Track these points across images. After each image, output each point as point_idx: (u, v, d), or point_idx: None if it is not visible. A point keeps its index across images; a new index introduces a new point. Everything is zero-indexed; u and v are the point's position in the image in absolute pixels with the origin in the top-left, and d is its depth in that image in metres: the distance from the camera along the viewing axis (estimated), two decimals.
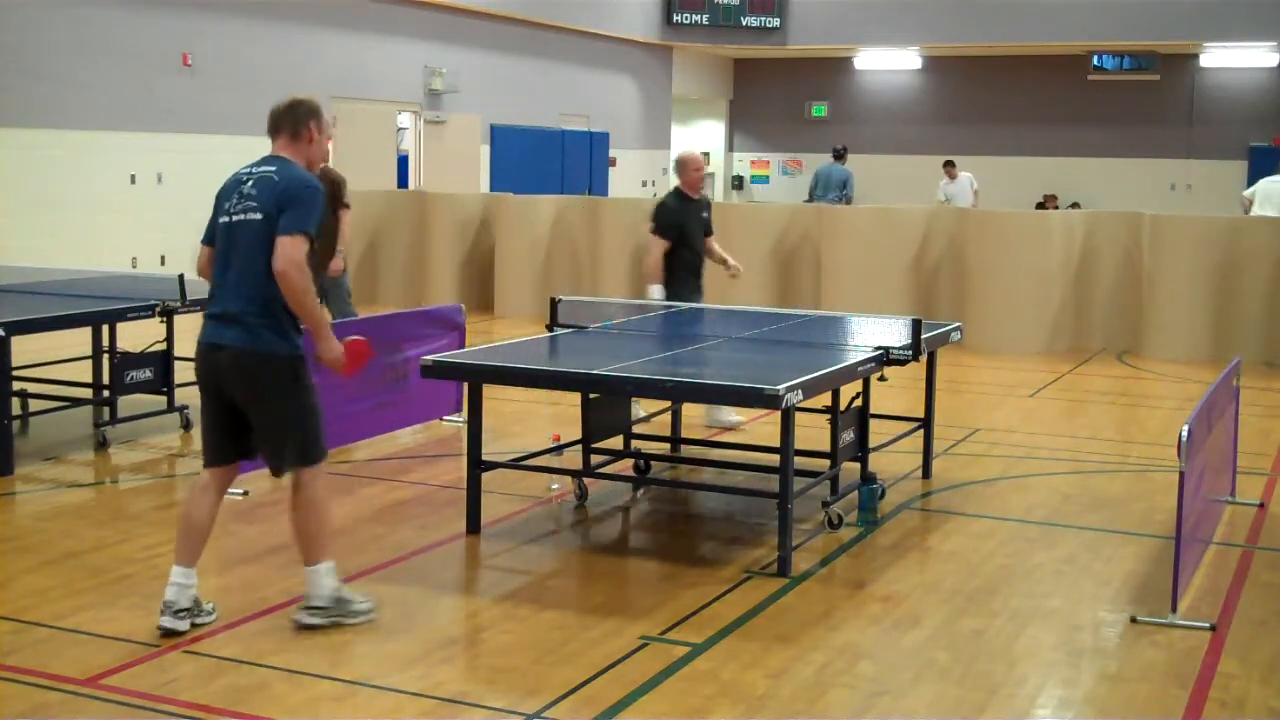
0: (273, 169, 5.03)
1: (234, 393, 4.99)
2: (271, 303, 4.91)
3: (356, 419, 7.74)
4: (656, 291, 8.57)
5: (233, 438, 5.07)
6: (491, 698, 4.55)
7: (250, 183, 5.01)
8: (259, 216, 4.91)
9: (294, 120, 5.13)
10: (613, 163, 24.26)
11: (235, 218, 4.98)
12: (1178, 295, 12.48)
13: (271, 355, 4.93)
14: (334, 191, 10.08)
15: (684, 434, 7.97)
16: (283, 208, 4.88)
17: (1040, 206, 24.39)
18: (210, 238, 5.12)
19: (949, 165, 20.78)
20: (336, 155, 17.32)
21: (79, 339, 9.23)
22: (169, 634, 4.94)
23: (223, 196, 5.08)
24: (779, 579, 5.79)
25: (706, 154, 8.87)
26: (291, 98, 5.21)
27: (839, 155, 19.35)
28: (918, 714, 4.49)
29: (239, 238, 4.95)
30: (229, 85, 16.78)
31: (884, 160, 26.48)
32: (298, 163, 5.10)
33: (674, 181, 8.96)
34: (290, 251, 4.83)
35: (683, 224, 8.68)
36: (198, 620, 5.03)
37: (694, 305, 8.51)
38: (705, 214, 8.89)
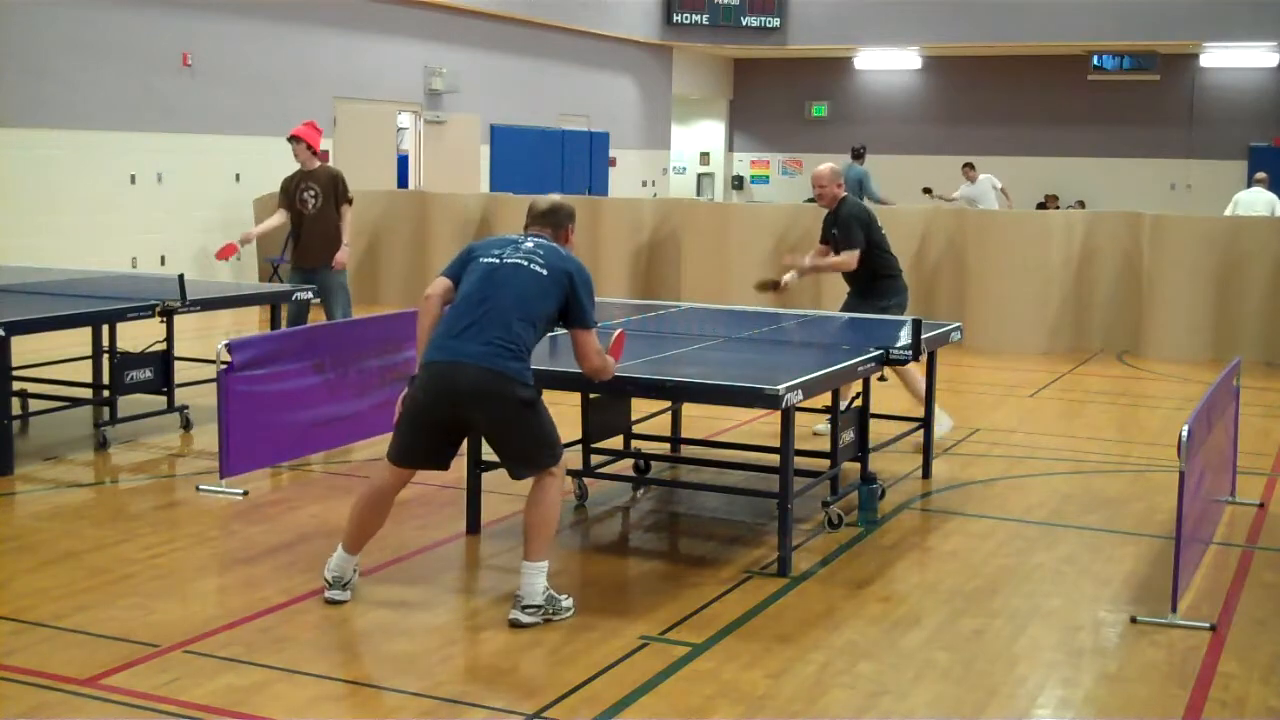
0: (553, 244, 5.45)
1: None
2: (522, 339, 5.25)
3: (356, 419, 7.74)
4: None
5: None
6: (491, 698, 4.55)
7: (530, 243, 5.38)
8: (544, 271, 5.26)
9: (555, 222, 5.56)
10: (613, 163, 24.25)
11: (509, 261, 5.28)
12: (1178, 295, 12.49)
13: (518, 380, 5.19)
14: (336, 186, 10.16)
15: (684, 434, 7.97)
16: (579, 294, 5.29)
17: (1041, 206, 24.40)
18: (454, 274, 5.41)
19: (968, 168, 20.77)
20: (336, 155, 17.35)
21: (79, 339, 9.23)
22: (335, 603, 5.32)
23: (486, 246, 5.43)
24: (779, 579, 5.79)
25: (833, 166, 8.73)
26: (553, 200, 5.65)
27: (857, 155, 19.26)
28: (918, 714, 4.49)
29: (510, 279, 5.24)
30: (229, 85, 16.78)
31: (884, 160, 26.41)
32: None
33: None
34: (594, 346, 5.42)
35: (824, 230, 8.82)
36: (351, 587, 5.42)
37: (695, 306, 8.52)
38: (833, 230, 8.67)
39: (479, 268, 5.31)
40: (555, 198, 5.67)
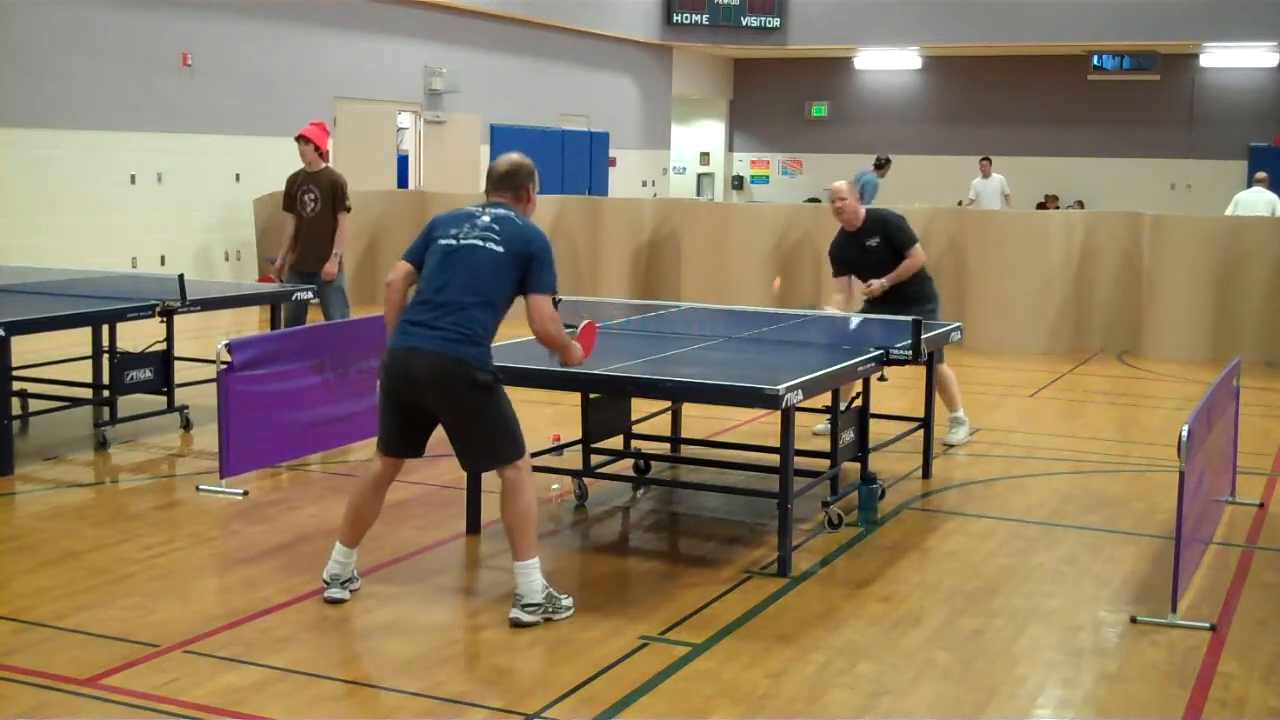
0: (511, 213, 5.36)
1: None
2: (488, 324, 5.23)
3: (356, 419, 7.74)
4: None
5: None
6: (491, 698, 4.55)
7: (486, 217, 5.30)
8: (500, 249, 5.20)
9: (515, 185, 5.47)
10: (613, 163, 24.25)
11: (465, 242, 5.23)
12: (1178, 295, 12.49)
13: (474, 364, 5.14)
14: (335, 192, 10.08)
15: (684, 434, 7.97)
16: (536, 263, 5.22)
17: (1041, 206, 24.39)
18: (415, 257, 5.38)
19: (985, 161, 20.81)
20: (336, 155, 17.33)
21: (79, 339, 9.23)
22: (335, 603, 5.33)
23: (445, 224, 5.35)
24: (779, 579, 5.79)
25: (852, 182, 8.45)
26: (511, 160, 5.54)
27: (878, 165, 19.13)
28: (918, 714, 4.49)
29: (466, 262, 5.20)
30: (229, 85, 16.78)
31: None
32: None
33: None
34: (546, 310, 5.27)
35: (839, 253, 8.50)
36: (353, 587, 5.44)
37: (695, 306, 8.50)
38: (869, 242, 8.33)
39: (437, 250, 5.28)
40: (514, 157, 5.55)
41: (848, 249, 8.44)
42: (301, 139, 10.09)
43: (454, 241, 5.25)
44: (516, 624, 5.14)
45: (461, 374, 5.10)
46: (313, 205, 10.03)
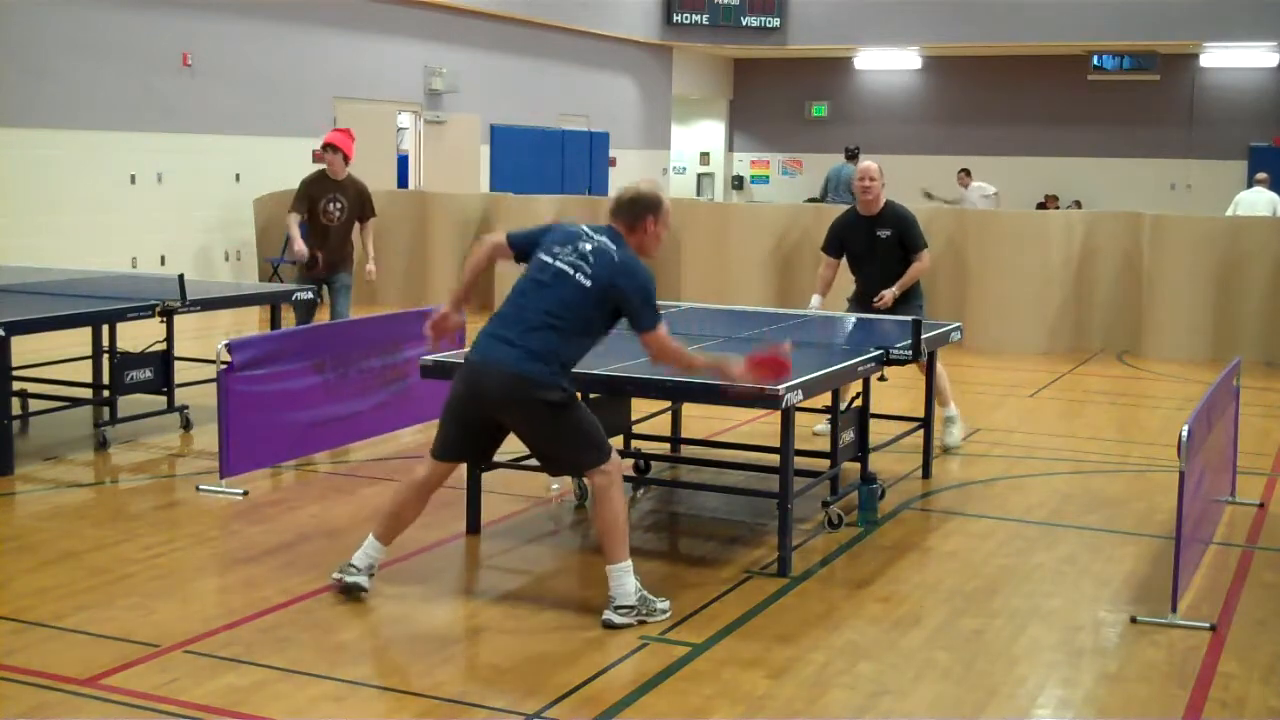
0: (614, 246, 5.27)
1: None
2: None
3: (356, 419, 7.74)
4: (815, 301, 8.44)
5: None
6: (491, 698, 4.55)
7: (588, 245, 5.24)
8: (588, 284, 5.16)
9: (632, 215, 5.35)
10: (613, 163, 24.25)
11: (558, 265, 5.21)
12: (1178, 295, 12.49)
13: (544, 383, 5.14)
14: (362, 201, 9.97)
15: (684, 434, 7.97)
16: (630, 302, 5.17)
17: (1041, 206, 24.39)
18: (517, 245, 5.39)
19: (963, 173, 20.86)
20: None
21: (79, 339, 9.23)
22: (353, 589, 5.34)
23: (553, 237, 5.32)
24: (779, 579, 5.79)
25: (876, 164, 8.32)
26: (636, 190, 5.44)
27: (851, 155, 19.27)
28: (918, 714, 4.49)
29: (551, 286, 5.18)
30: (229, 85, 16.77)
31: (884, 160, 26.36)
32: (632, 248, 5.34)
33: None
34: (657, 344, 5.26)
35: (841, 237, 8.36)
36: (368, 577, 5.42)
37: (695, 306, 8.49)
38: (880, 233, 8.18)
39: (535, 263, 5.28)
40: (641, 188, 5.44)
41: (854, 232, 8.32)
42: (330, 147, 9.86)
43: (551, 260, 5.23)
44: (608, 625, 5.13)
45: (529, 391, 5.11)
46: (339, 214, 9.81)
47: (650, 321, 5.21)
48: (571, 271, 5.19)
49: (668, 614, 5.24)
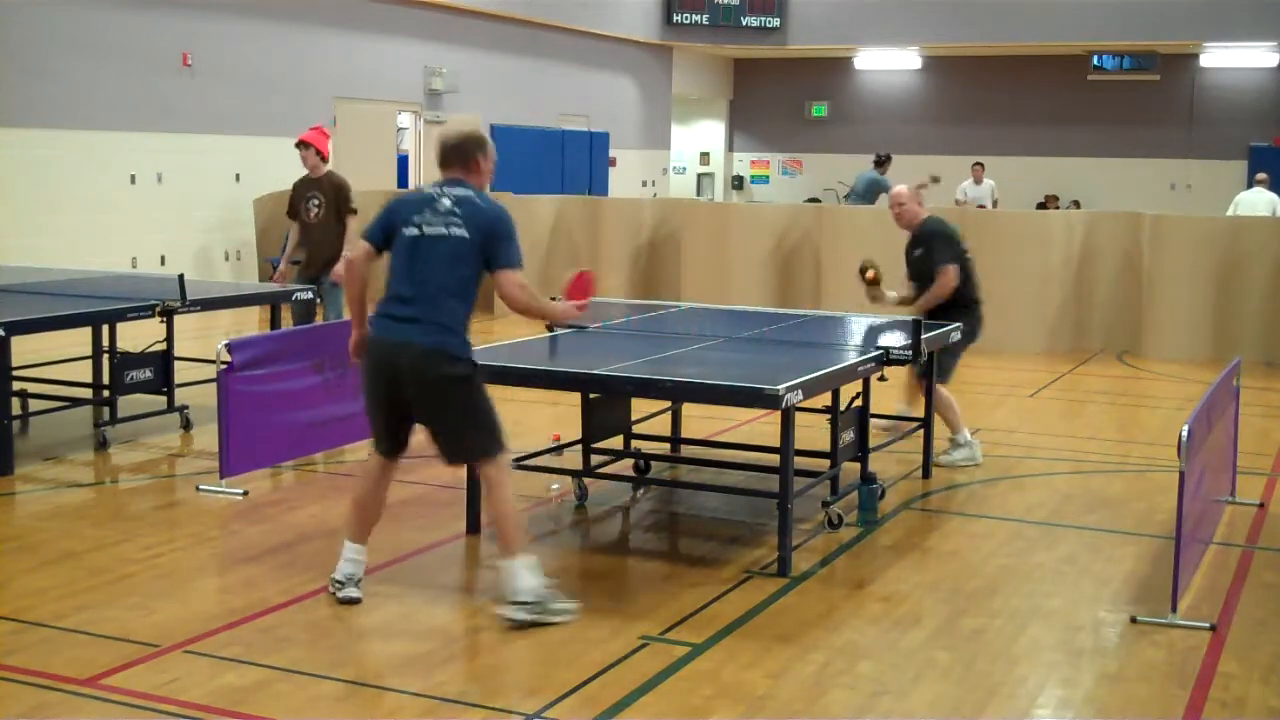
0: (470, 192, 5.27)
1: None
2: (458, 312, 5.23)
3: (356, 419, 7.71)
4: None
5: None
6: (491, 698, 4.55)
7: (446, 200, 5.22)
8: (465, 234, 5.16)
9: (464, 157, 5.35)
10: (613, 163, 24.25)
11: (430, 232, 5.17)
12: (1178, 295, 12.49)
13: (454, 355, 5.17)
14: (339, 196, 9.96)
15: (684, 434, 7.97)
16: (500, 240, 5.19)
17: (1041, 206, 24.40)
18: (376, 240, 5.32)
19: (978, 166, 20.84)
20: (337, 156, 17.32)
21: (79, 339, 9.23)
22: (346, 603, 5.32)
23: (406, 210, 5.26)
24: (779, 579, 5.79)
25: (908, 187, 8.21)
26: (458, 133, 5.39)
27: (879, 162, 19.11)
28: (918, 714, 4.49)
29: (434, 252, 5.16)
30: (229, 85, 16.78)
31: None
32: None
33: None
34: (515, 280, 5.24)
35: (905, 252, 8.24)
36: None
37: (695, 306, 8.47)
38: (915, 251, 8.10)
39: (403, 241, 5.23)
40: (461, 128, 5.42)
41: (906, 252, 8.26)
42: (302, 144, 9.90)
43: (418, 231, 5.20)
44: (502, 619, 5.12)
45: (443, 366, 5.11)
46: (317, 210, 9.84)
47: (519, 258, 5.24)
48: (446, 231, 5.16)
49: (573, 615, 5.18)
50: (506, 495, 5.20)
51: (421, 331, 5.12)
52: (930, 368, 7.66)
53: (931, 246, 8.05)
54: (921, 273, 8.10)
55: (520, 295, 5.23)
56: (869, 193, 18.29)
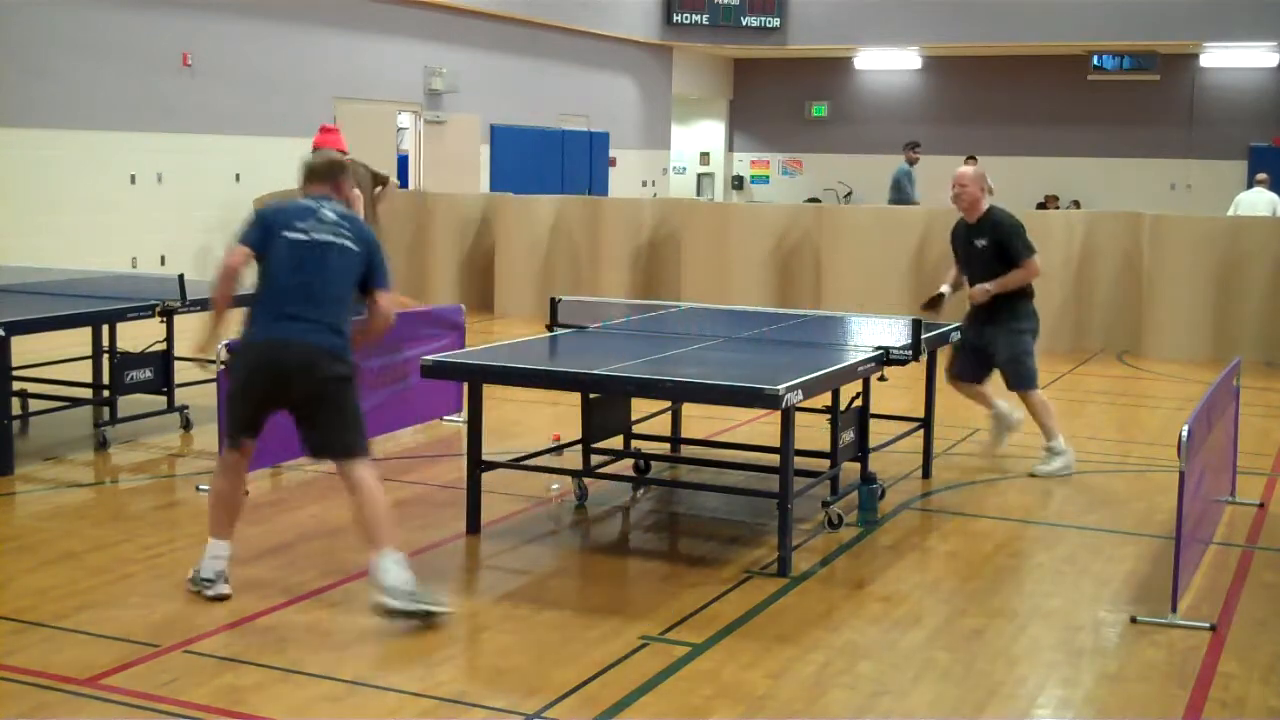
0: (346, 209, 5.58)
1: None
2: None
3: None
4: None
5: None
6: (491, 698, 4.55)
7: (330, 213, 5.43)
8: (355, 247, 5.40)
9: (334, 178, 5.65)
10: (613, 163, 24.25)
11: (318, 238, 5.34)
12: (1178, 295, 12.49)
13: (339, 357, 5.36)
14: (366, 177, 9.97)
15: (684, 434, 7.97)
16: (376, 258, 5.49)
17: (1041, 206, 24.39)
18: (255, 245, 5.40)
19: (970, 159, 20.80)
20: None
21: (79, 339, 9.23)
22: (223, 599, 5.33)
23: (287, 216, 5.40)
24: (779, 579, 5.79)
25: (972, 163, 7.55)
26: (328, 157, 5.79)
27: (909, 146, 18.90)
28: (918, 714, 4.49)
29: (324, 260, 5.33)
30: (229, 85, 16.77)
31: (884, 160, 26.41)
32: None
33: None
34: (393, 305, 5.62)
35: (954, 242, 8.11)
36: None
37: (695, 306, 8.46)
38: (977, 242, 7.84)
39: (286, 245, 5.33)
40: (330, 153, 5.69)
41: (958, 240, 8.06)
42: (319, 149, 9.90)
43: (304, 236, 5.34)
44: (378, 609, 5.09)
45: (330, 365, 5.27)
46: None
47: (390, 280, 5.54)
48: (335, 239, 5.36)
49: (445, 609, 5.17)
50: (379, 491, 5.30)
51: (315, 332, 5.28)
52: (1007, 377, 7.81)
53: (1007, 240, 7.75)
54: (986, 263, 7.82)
55: (393, 317, 5.61)
56: (900, 185, 18.30)
